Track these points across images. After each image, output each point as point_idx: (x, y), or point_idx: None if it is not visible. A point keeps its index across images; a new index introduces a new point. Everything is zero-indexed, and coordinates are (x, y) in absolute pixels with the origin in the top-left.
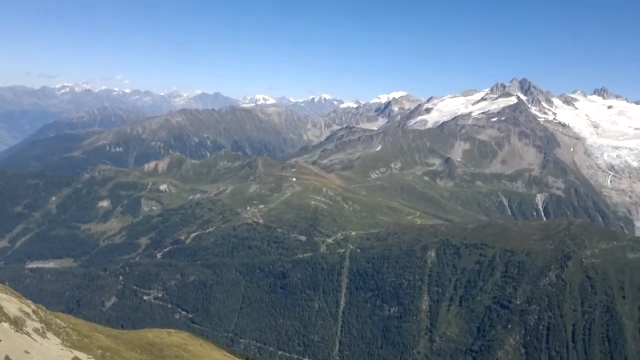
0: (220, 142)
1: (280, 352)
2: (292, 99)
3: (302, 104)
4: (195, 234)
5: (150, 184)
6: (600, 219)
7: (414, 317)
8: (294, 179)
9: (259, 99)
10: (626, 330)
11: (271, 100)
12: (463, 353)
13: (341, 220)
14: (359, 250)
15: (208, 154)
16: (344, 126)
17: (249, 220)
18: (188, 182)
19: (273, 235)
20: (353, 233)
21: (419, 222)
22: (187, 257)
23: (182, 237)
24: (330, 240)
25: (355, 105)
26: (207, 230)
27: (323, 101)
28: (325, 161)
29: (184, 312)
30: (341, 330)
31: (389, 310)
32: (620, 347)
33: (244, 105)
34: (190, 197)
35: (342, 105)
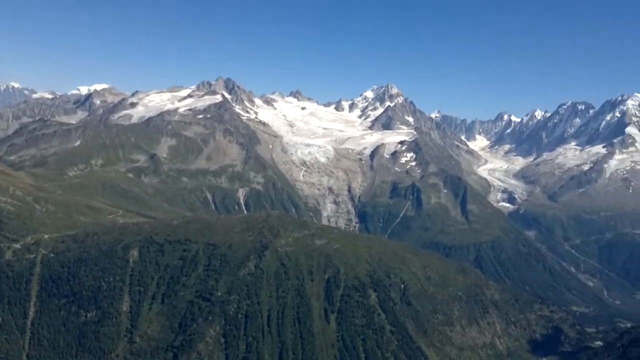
0: None
1: None
2: None
3: None
4: None
5: None
6: (294, 210)
7: (114, 320)
8: None
9: None
10: (313, 310)
11: None
12: (164, 350)
13: (32, 222)
14: (52, 255)
15: None
16: (37, 119)
17: None
18: None
19: None
20: (46, 236)
21: (121, 221)
22: None
23: None
24: (17, 246)
25: (50, 96)
26: None
27: (11, 90)
28: (13, 157)
29: None
30: (29, 343)
31: (86, 316)
32: (308, 326)
33: None
34: None
35: (34, 96)
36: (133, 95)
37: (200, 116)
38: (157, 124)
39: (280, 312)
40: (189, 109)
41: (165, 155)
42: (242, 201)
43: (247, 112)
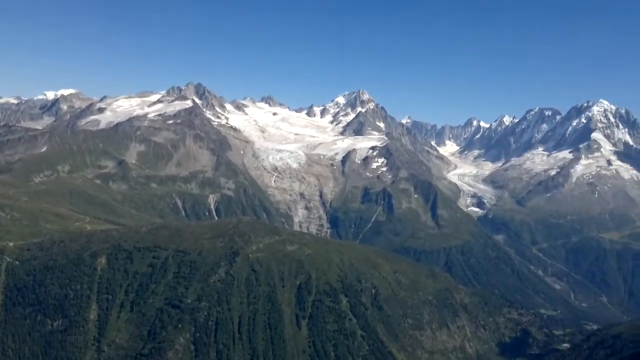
0: None
1: None
2: None
3: None
4: None
5: None
6: (265, 216)
7: (81, 329)
8: None
9: None
10: (285, 316)
11: None
12: (133, 359)
13: None
14: (17, 263)
15: None
16: (2, 124)
17: None
18: None
19: None
20: (11, 244)
21: (89, 228)
22: None
23: None
24: None
25: (16, 102)
26: None
27: None
28: None
29: None
30: None
31: (52, 325)
32: (279, 332)
33: None
34: None
35: None
36: (101, 100)
37: (170, 122)
38: (126, 129)
39: (251, 319)
40: (159, 115)
41: (134, 161)
42: (212, 207)
43: (218, 117)
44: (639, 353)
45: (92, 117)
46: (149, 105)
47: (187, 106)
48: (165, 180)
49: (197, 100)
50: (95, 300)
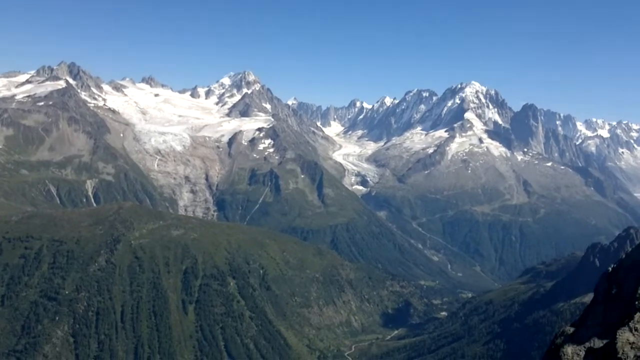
0: None
1: None
2: None
3: None
4: None
5: None
6: (148, 201)
7: None
8: None
9: None
10: (170, 302)
11: None
12: (6, 355)
13: None
14: None
15: None
16: None
17: None
18: None
19: None
20: None
21: None
22: None
23: None
24: None
25: None
26: None
27: None
28: None
29: None
30: None
31: None
32: (165, 319)
33: None
34: None
35: None
36: None
37: (41, 103)
38: None
39: (135, 307)
40: (28, 96)
41: (1, 147)
42: (90, 193)
43: (95, 99)
44: (509, 317)
45: None
46: (17, 86)
47: (60, 87)
48: (37, 166)
49: (70, 80)
50: None
